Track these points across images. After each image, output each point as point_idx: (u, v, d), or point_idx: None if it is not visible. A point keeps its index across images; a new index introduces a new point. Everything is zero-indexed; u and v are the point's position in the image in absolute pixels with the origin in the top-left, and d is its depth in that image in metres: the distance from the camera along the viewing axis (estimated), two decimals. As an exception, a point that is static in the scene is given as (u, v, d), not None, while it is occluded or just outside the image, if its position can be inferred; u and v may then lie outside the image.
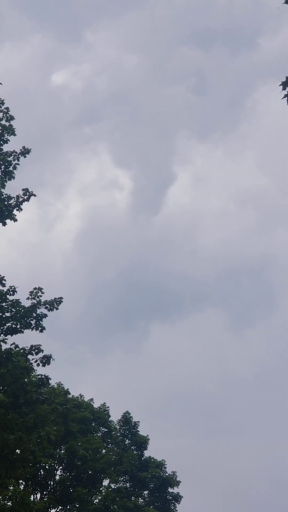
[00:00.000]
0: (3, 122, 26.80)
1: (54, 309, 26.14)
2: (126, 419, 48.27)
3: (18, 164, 26.58)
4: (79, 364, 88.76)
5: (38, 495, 40.01)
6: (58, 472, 41.05)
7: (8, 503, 29.71)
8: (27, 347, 25.36)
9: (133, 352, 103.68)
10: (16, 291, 25.67)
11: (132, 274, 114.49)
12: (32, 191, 26.38)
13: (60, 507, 39.62)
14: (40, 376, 26.37)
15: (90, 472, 41.24)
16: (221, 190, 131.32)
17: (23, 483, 38.95)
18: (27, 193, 26.31)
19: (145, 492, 47.05)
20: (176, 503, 47.57)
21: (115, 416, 48.18)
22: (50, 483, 40.52)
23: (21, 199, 26.24)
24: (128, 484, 45.98)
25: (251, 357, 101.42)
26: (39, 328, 25.64)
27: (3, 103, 27.09)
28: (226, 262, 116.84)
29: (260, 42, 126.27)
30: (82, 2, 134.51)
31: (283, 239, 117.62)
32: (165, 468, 47.77)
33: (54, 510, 39.53)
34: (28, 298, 26.01)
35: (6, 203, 26.06)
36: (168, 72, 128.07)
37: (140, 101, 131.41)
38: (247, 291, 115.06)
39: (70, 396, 42.28)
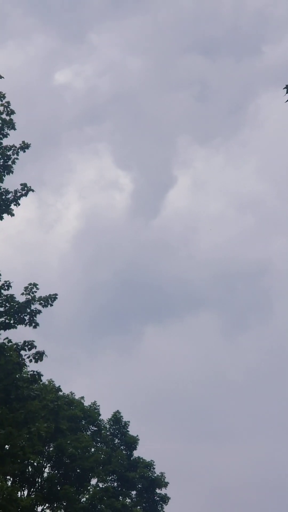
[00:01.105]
0: (4, 116, 26.73)
1: (49, 306, 26.08)
2: (117, 418, 48.18)
3: (17, 158, 26.50)
4: (72, 364, 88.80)
5: (26, 492, 39.90)
6: (46, 470, 40.95)
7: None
8: (20, 342, 25.31)
9: (127, 353, 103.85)
10: (11, 286, 25.63)
11: (127, 276, 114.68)
12: (30, 186, 26.34)
13: (47, 505, 39.52)
14: (32, 372, 26.30)
15: (78, 470, 41.14)
16: (220, 195, 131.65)
17: (11, 479, 38.84)
18: (25, 188, 26.26)
19: (133, 492, 46.96)
20: (163, 504, 47.47)
21: (105, 415, 48.18)
22: (38, 480, 40.40)
23: (19, 194, 26.19)
24: (116, 484, 45.89)
25: (243, 363, 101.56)
26: (33, 324, 25.58)
27: (4, 97, 27.01)
28: (222, 267, 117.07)
29: (264, 50, 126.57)
30: (87, 3, 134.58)
31: (280, 245, 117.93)
32: (153, 469, 47.69)
33: (41, 508, 39.42)
34: (22, 294, 25.97)
35: (4, 197, 26.00)
36: (171, 78, 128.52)
37: (142, 104, 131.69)
38: (242, 297, 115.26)
39: (61, 393, 42.18)
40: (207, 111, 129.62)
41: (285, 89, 14.92)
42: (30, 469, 40.09)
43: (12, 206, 26.04)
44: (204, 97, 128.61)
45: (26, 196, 26.26)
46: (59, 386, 41.48)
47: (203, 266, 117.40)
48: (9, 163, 26.49)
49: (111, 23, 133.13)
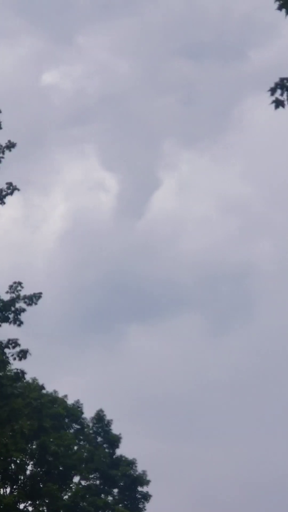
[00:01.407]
0: (-10, 114, 26.74)
1: (33, 304, 26.19)
2: (100, 416, 48.30)
3: (3, 157, 26.54)
4: (57, 362, 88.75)
5: (8, 489, 39.97)
6: (29, 467, 41.04)
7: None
8: (4, 340, 25.42)
9: (111, 353, 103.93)
10: (-5, 285, 25.72)
11: (113, 277, 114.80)
12: (15, 185, 26.39)
13: (29, 502, 39.63)
14: (16, 370, 26.41)
15: (61, 468, 41.27)
16: (205, 197, 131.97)
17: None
18: (11, 187, 26.32)
19: (115, 490, 47.12)
20: (145, 502, 47.66)
21: (88, 413, 48.27)
22: (21, 477, 40.50)
23: (4, 193, 26.25)
24: (98, 482, 46.03)
25: (226, 363, 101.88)
26: (17, 323, 25.69)
27: (-10, 96, 27.07)
28: (207, 268, 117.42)
29: (250, 54, 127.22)
30: (75, 6, 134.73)
31: (264, 248, 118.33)
32: (136, 467, 47.85)
33: (24, 505, 39.52)
34: (7, 292, 26.05)
35: (-11, 195, 26.05)
36: (158, 81, 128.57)
37: (129, 106, 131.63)
38: (226, 298, 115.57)
39: (45, 391, 42.28)
40: (193, 115, 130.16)
41: (270, 92, 15.11)
42: (13, 467, 40.17)
43: (-2, 205, 26.11)
44: (190, 101, 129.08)
45: (11, 195, 26.34)
46: (43, 384, 41.59)
47: (188, 268, 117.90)
48: (-5, 161, 26.52)
49: (99, 25, 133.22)
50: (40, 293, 26.29)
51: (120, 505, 45.42)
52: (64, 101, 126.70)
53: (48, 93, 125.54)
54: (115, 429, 48.62)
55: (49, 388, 44.81)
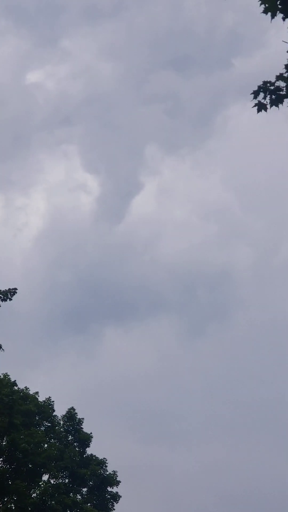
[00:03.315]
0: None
1: (8, 300, 26.03)
2: (71, 415, 48.11)
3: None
4: (31, 363, 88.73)
5: (-24, 486, 39.70)
6: (-2, 464, 40.81)
7: None
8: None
9: (86, 354, 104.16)
10: None
11: (90, 277, 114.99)
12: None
13: (-3, 499, 39.39)
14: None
15: (30, 465, 41.05)
16: (185, 202, 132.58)
17: None
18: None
19: (84, 489, 46.96)
20: (114, 503, 47.54)
21: (60, 412, 48.08)
22: (-11, 474, 40.24)
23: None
24: (67, 480, 45.83)
25: (200, 368, 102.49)
26: (-9, 318, 25.49)
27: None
28: (184, 272, 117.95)
29: (234, 62, 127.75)
30: (62, 11, 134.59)
31: (241, 254, 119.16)
32: (106, 467, 47.73)
33: (-9, 502, 39.28)
34: (-19, 287, 25.86)
35: None
36: (143, 90, 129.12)
37: (113, 111, 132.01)
38: (202, 303, 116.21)
39: (16, 388, 42.04)
40: (177, 122, 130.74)
41: (252, 95, 15.06)
42: (-18, 463, 39.93)
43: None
44: (174, 109, 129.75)
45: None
46: (15, 380, 41.34)
47: (166, 271, 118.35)
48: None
49: (86, 29, 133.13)
50: (15, 289, 26.14)
51: (89, 504, 45.26)
52: (48, 101, 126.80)
53: (32, 92, 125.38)
54: (86, 428, 48.52)
55: (21, 385, 44.63)
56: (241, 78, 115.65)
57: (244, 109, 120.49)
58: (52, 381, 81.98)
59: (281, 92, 14.87)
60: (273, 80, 14.87)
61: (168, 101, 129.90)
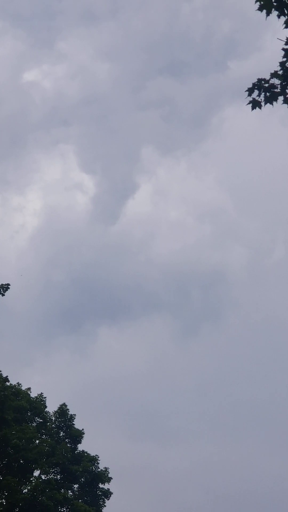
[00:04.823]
0: None
1: (1, 295, 26.02)
2: (63, 411, 48.09)
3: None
4: (25, 362, 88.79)
5: None
6: (-11, 459, 40.76)
7: None
8: None
9: (80, 353, 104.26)
10: None
11: (84, 277, 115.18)
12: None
13: (-12, 495, 39.35)
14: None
15: (21, 461, 41.03)
16: (180, 203, 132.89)
17: None
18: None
19: (75, 486, 46.97)
20: (105, 499, 47.59)
21: (52, 408, 48.09)
22: (-20, 469, 40.21)
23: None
24: (58, 476, 45.83)
25: (193, 367, 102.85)
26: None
27: None
28: (179, 272, 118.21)
29: (229, 65, 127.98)
30: (59, 13, 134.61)
31: (235, 255, 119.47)
32: (97, 463, 47.75)
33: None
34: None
35: None
36: (140, 93, 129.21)
37: (110, 112, 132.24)
38: (196, 303, 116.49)
39: (8, 383, 42.01)
40: (172, 125, 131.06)
41: (247, 92, 15.07)
42: (-27, 458, 39.88)
43: None
44: (170, 114, 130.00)
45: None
46: (7, 376, 41.30)
47: (160, 271, 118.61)
48: None
49: (82, 32, 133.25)
50: (8, 284, 26.14)
51: (80, 500, 45.26)
52: (45, 101, 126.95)
53: (28, 91, 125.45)
54: (78, 425, 48.53)
55: (13, 381, 44.61)
56: (236, 80, 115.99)
57: (239, 111, 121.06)
58: (46, 380, 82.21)
59: (276, 90, 14.88)
60: (267, 77, 14.89)
61: (164, 107, 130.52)
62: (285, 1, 13.84)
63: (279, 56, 14.47)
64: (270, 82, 14.80)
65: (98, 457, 47.97)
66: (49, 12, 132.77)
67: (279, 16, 13.99)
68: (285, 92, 14.71)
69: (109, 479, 47.60)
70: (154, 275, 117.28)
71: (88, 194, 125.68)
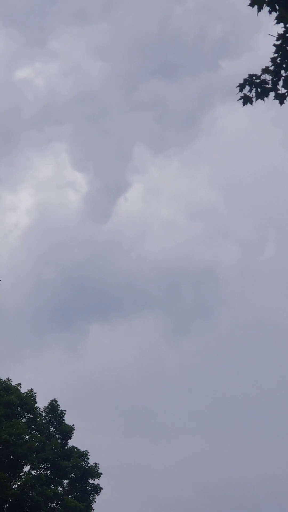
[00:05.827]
0: None
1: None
2: (53, 407, 48.08)
3: None
4: (16, 360, 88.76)
5: None
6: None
7: None
8: None
9: (71, 350, 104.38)
10: None
11: (76, 275, 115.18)
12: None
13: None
14: None
15: (11, 457, 41.01)
16: (172, 201, 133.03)
17: None
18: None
19: (65, 481, 47.00)
20: (95, 494, 47.64)
21: (42, 404, 48.08)
22: None
23: None
24: (48, 472, 45.85)
25: (183, 364, 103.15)
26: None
27: None
28: (170, 270, 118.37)
29: (221, 64, 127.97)
30: (51, 13, 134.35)
31: (227, 253, 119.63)
32: (87, 459, 47.79)
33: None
34: None
35: None
36: (133, 95, 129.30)
37: (102, 111, 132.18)
38: (187, 301, 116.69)
39: (-1, 379, 42.00)
40: (164, 124, 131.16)
41: (238, 87, 15.05)
42: None
43: None
44: (162, 114, 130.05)
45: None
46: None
47: (152, 269, 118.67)
48: None
49: (74, 31, 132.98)
50: (-2, 279, 26.06)
51: (70, 496, 45.30)
52: (37, 98, 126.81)
53: (21, 88, 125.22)
54: (69, 421, 48.54)
55: (3, 377, 44.58)
56: (228, 79, 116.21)
57: (231, 110, 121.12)
58: (37, 377, 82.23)
59: (267, 86, 14.87)
60: (259, 73, 14.87)
61: (157, 108, 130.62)
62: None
63: (271, 54, 14.46)
64: (262, 78, 14.77)
65: (88, 452, 48.03)
66: (42, 11, 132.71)
67: (270, 12, 13.95)
68: (276, 88, 14.68)
69: (99, 475, 47.65)
70: (146, 273, 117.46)
71: (80, 193, 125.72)
